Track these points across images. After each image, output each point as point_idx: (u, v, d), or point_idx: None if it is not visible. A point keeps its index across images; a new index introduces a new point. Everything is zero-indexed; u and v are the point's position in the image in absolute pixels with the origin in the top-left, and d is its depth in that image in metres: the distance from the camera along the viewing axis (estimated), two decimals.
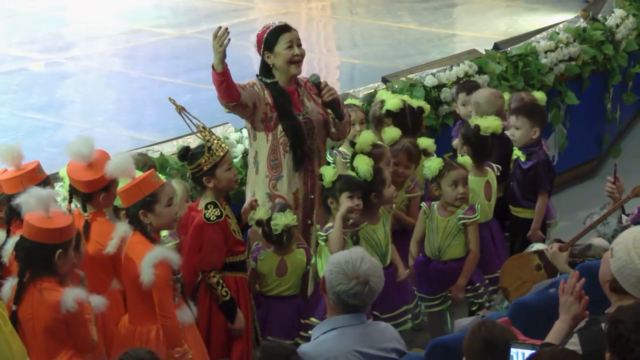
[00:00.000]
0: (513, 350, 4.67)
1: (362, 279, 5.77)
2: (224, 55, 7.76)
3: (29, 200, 6.30)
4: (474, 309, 8.56)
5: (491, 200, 8.95)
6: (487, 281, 8.67)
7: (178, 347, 6.79)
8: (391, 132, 8.99)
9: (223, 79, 7.76)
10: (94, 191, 7.09)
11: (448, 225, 8.42)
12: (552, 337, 5.20)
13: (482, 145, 8.88)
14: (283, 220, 7.65)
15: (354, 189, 7.84)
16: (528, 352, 4.56)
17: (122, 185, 7.09)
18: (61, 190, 7.48)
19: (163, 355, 6.29)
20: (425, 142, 9.15)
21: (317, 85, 8.31)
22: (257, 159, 8.27)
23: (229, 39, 7.78)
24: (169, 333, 6.79)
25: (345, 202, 7.77)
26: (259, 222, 7.72)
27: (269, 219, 7.67)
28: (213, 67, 7.76)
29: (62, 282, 6.30)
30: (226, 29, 7.78)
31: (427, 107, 9.74)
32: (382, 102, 9.44)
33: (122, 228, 6.87)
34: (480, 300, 8.53)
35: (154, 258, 6.62)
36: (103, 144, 8.46)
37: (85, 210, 7.08)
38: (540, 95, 10.08)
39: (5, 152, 7.19)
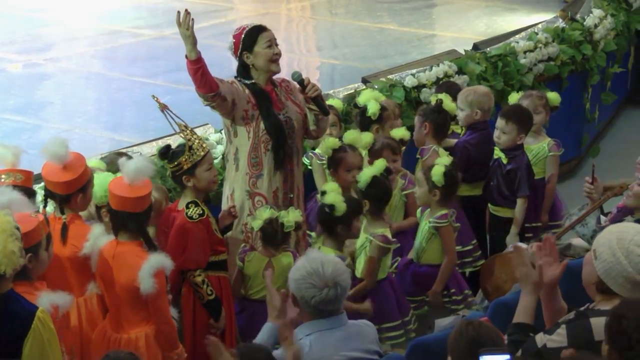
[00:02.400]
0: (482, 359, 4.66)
1: (331, 283, 5.77)
2: (194, 40, 7.81)
3: None
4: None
5: None
6: (467, 291, 8.67)
7: (175, 349, 6.89)
8: (397, 132, 9.15)
9: (198, 67, 7.77)
10: (70, 193, 7.05)
11: (424, 229, 8.45)
12: (521, 314, 5.29)
13: (443, 120, 9.13)
14: (292, 217, 7.73)
15: (360, 212, 7.94)
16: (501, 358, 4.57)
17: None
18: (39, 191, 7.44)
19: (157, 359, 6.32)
20: (400, 133, 9.18)
21: (301, 83, 8.27)
22: (237, 155, 8.25)
23: (193, 19, 7.83)
24: (167, 337, 6.86)
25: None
26: (269, 221, 7.70)
27: (277, 219, 7.70)
28: (186, 56, 7.78)
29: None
30: (187, 11, 7.84)
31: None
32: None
33: (97, 230, 6.88)
34: (459, 307, 8.46)
35: (152, 268, 6.62)
36: (82, 145, 8.53)
37: (62, 212, 7.02)
38: (554, 96, 10.10)
39: (2, 152, 7.26)
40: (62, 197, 7.07)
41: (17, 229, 5.64)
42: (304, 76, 8.36)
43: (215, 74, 7.79)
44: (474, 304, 8.49)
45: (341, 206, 7.70)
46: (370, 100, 9.43)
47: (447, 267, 8.42)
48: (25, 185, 7.04)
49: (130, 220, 6.79)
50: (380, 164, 8.25)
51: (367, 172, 8.16)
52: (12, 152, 7.25)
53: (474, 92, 9.75)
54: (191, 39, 7.78)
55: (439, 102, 8.96)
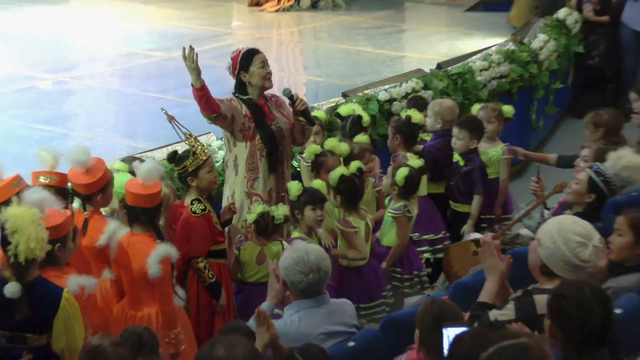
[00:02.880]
0: (445, 331, 4.67)
1: (315, 269, 5.80)
2: (198, 71, 7.84)
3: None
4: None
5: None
6: (417, 272, 8.66)
7: (174, 329, 6.80)
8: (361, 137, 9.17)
9: (202, 94, 7.81)
10: (91, 193, 7.07)
11: (386, 216, 8.51)
12: (485, 295, 5.32)
13: (412, 132, 9.06)
14: (281, 211, 7.78)
15: (316, 202, 7.87)
16: (460, 330, 4.59)
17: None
18: None
19: (160, 336, 6.30)
20: (361, 138, 9.24)
21: (291, 98, 8.32)
22: (236, 162, 8.27)
23: (197, 54, 7.91)
24: (167, 317, 6.78)
25: (311, 214, 7.77)
26: (262, 215, 7.74)
27: (268, 212, 7.75)
28: (192, 84, 7.82)
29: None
30: (191, 47, 7.94)
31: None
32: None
33: (113, 225, 6.88)
34: (412, 290, 8.48)
35: (159, 255, 6.60)
36: (103, 151, 8.56)
37: (84, 209, 7.03)
38: (508, 109, 10.08)
39: (44, 155, 7.17)
40: (84, 196, 7.07)
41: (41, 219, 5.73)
42: (293, 92, 8.43)
43: (216, 90, 7.86)
44: (426, 284, 8.58)
45: (294, 192, 7.82)
46: (355, 111, 9.54)
47: (396, 250, 8.42)
48: (60, 185, 7.02)
49: (143, 214, 6.79)
50: (354, 165, 8.29)
51: (337, 171, 8.13)
52: (52, 156, 7.14)
53: (441, 104, 9.77)
54: (196, 71, 7.81)
55: (408, 118, 8.93)
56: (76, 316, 5.82)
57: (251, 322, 5.76)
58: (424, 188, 9.00)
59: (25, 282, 5.66)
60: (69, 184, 7.19)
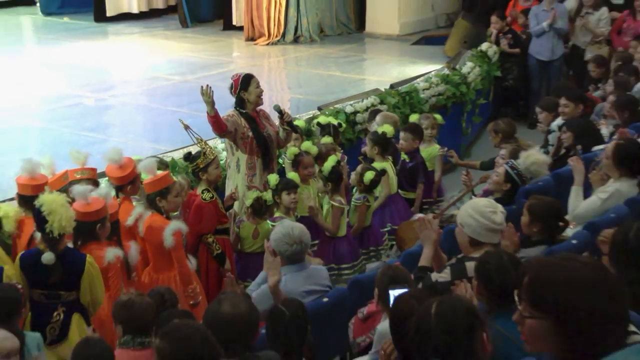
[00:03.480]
0: (391, 292, 4.67)
1: (298, 241, 5.88)
2: (213, 103, 7.96)
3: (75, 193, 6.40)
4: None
5: (392, 176, 9.01)
6: (375, 247, 8.72)
7: (191, 285, 6.90)
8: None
9: (215, 120, 7.98)
10: (123, 184, 7.17)
11: (351, 202, 8.55)
12: (423, 260, 5.39)
13: (387, 143, 9.00)
14: (268, 196, 7.92)
15: (290, 187, 7.91)
16: (402, 291, 4.60)
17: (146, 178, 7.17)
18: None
19: (181, 293, 6.35)
20: (327, 140, 9.28)
21: (279, 112, 8.47)
22: (238, 163, 8.38)
23: (213, 91, 7.99)
24: (183, 276, 6.88)
25: (286, 198, 7.88)
26: (257, 199, 7.91)
27: (261, 197, 7.89)
28: (207, 112, 7.96)
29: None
30: (208, 85, 8.04)
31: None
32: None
33: (138, 210, 6.97)
34: (370, 261, 8.59)
35: (172, 229, 6.74)
36: (133, 152, 8.50)
37: (117, 196, 7.13)
38: (439, 117, 10.16)
39: (76, 156, 7.31)
40: (117, 186, 7.23)
41: (69, 202, 6.01)
42: (281, 107, 8.61)
43: (219, 104, 7.95)
44: (392, 253, 8.55)
45: (273, 182, 8.00)
46: (332, 121, 9.62)
47: (356, 228, 8.48)
48: (91, 178, 7.15)
49: (147, 198, 7.00)
50: (333, 159, 8.37)
51: (328, 165, 8.27)
52: (83, 156, 7.32)
53: (385, 116, 9.77)
54: (211, 103, 7.95)
55: (384, 133, 8.94)
56: (98, 276, 6.04)
57: (251, 287, 6.07)
58: (394, 186, 9.04)
59: (57, 252, 5.83)
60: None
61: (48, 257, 5.79)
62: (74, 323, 6.00)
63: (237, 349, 4.29)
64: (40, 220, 5.81)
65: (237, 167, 8.41)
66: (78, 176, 7.05)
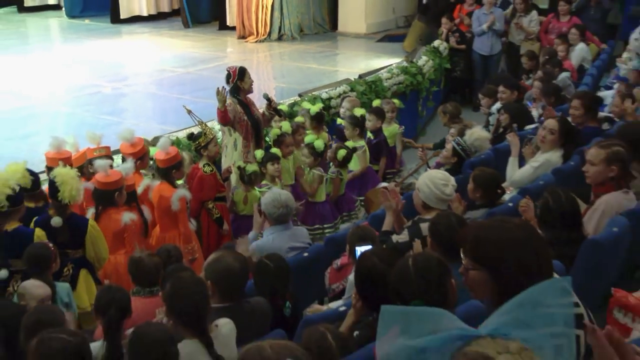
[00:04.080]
0: (357, 248, 4.69)
1: (284, 205, 5.89)
2: (225, 101, 8.02)
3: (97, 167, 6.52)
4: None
5: (367, 152, 9.04)
6: (347, 213, 8.70)
7: (190, 243, 6.99)
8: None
9: (223, 113, 8.07)
10: (134, 159, 7.13)
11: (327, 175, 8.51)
12: (386, 225, 5.38)
13: (363, 124, 9.10)
14: (251, 167, 7.86)
15: (273, 159, 7.91)
16: (366, 247, 4.61)
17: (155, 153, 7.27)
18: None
19: (182, 251, 6.38)
20: (300, 119, 9.29)
21: (268, 99, 8.63)
22: (235, 143, 8.40)
23: (227, 91, 8.14)
24: (185, 236, 6.97)
25: (271, 168, 7.88)
26: (240, 169, 7.88)
27: (243, 168, 7.86)
28: (218, 107, 8.05)
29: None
30: (224, 87, 8.15)
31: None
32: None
33: (146, 181, 7.06)
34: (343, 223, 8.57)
35: (178, 195, 6.85)
36: (144, 132, 8.58)
37: None
38: (398, 101, 10.21)
39: (92, 137, 7.26)
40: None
41: (78, 176, 6.08)
42: (270, 95, 8.76)
43: (214, 95, 8.06)
44: (361, 215, 8.60)
45: (259, 156, 8.04)
46: (307, 106, 9.60)
47: (332, 197, 8.48)
48: (107, 154, 7.11)
49: (162, 171, 7.06)
50: (324, 137, 8.70)
51: (319, 142, 8.32)
52: (98, 136, 7.27)
53: (350, 100, 9.93)
54: (223, 101, 8.01)
55: (362, 116, 9.11)
56: (99, 237, 6.07)
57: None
58: (365, 162, 9.03)
59: (65, 217, 5.86)
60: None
61: (56, 220, 5.83)
62: (81, 277, 6.00)
63: (232, 295, 4.34)
64: (54, 189, 5.83)
65: (235, 146, 8.42)
66: (96, 154, 7.02)
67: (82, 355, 3.43)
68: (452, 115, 9.07)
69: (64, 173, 5.87)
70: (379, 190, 8.06)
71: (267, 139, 8.87)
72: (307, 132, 8.92)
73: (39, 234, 5.75)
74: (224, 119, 8.15)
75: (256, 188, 7.85)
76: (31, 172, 6.09)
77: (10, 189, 5.62)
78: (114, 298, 4.33)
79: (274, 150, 8.18)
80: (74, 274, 5.95)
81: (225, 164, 8.37)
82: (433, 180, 5.12)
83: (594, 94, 8.32)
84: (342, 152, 8.35)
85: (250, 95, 8.65)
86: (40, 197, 6.31)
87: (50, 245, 5.50)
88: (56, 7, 19.89)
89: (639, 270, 5.07)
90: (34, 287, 4.87)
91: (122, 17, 18.43)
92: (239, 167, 7.89)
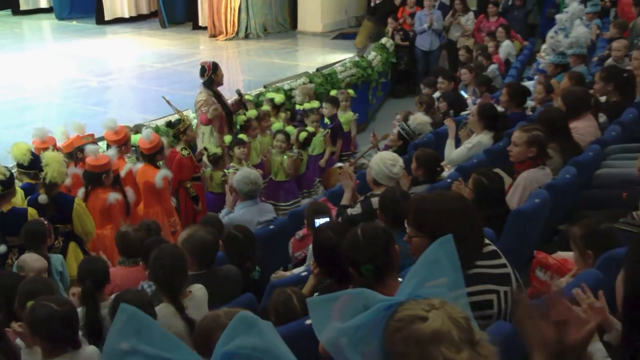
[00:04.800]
0: (316, 220, 4.71)
1: (253, 182, 5.89)
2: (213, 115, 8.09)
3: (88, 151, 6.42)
4: None
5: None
6: (307, 190, 8.67)
7: (172, 217, 7.00)
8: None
9: (208, 122, 8.20)
10: (118, 145, 7.07)
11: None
12: (344, 201, 5.35)
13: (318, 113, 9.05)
14: (214, 150, 7.81)
15: (240, 143, 7.82)
16: (324, 220, 4.63)
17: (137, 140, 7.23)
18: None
19: (164, 224, 6.37)
20: (265, 107, 9.15)
21: (240, 94, 8.78)
22: (212, 129, 8.37)
23: (216, 109, 8.13)
24: (167, 211, 6.96)
25: (238, 151, 7.79)
26: (205, 149, 7.88)
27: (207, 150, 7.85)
28: (208, 117, 8.09)
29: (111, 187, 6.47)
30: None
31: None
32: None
33: (129, 165, 7.00)
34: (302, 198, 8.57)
35: (161, 175, 6.79)
36: (127, 121, 8.45)
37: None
38: (351, 91, 10.18)
39: (77, 127, 7.19)
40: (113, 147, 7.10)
41: (65, 160, 6.10)
42: (235, 88, 9.00)
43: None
44: (320, 192, 8.59)
45: (227, 140, 7.99)
46: (272, 96, 9.60)
47: (292, 176, 8.39)
48: (92, 141, 7.03)
49: (145, 156, 6.99)
50: (306, 129, 8.57)
51: (303, 134, 8.37)
52: (82, 126, 7.21)
53: (302, 88, 10.03)
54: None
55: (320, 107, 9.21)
56: (85, 213, 6.03)
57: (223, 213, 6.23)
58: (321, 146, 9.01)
59: (51, 195, 5.83)
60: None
61: (42, 198, 5.81)
62: (70, 249, 5.97)
63: (207, 263, 4.34)
64: (40, 169, 5.85)
65: (212, 132, 8.40)
66: (84, 141, 6.95)
67: (68, 322, 3.39)
68: (427, 105, 8.88)
69: (50, 156, 5.85)
70: (336, 169, 8.13)
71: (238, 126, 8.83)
72: (272, 120, 8.88)
73: (32, 212, 5.70)
74: (207, 122, 8.20)
75: (225, 170, 7.81)
76: (32, 154, 6.23)
77: (1, 175, 5.58)
78: (92, 268, 4.36)
79: (241, 135, 8.13)
80: (64, 246, 5.92)
81: (212, 149, 8.32)
82: (383, 161, 5.13)
83: (520, 85, 8.39)
84: (302, 135, 8.35)
85: (219, 88, 8.61)
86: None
87: (45, 221, 5.46)
88: (48, 10, 19.51)
89: (557, 235, 5.15)
90: (32, 260, 4.83)
91: (106, 18, 18.16)
92: (204, 149, 7.86)
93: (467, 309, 1.67)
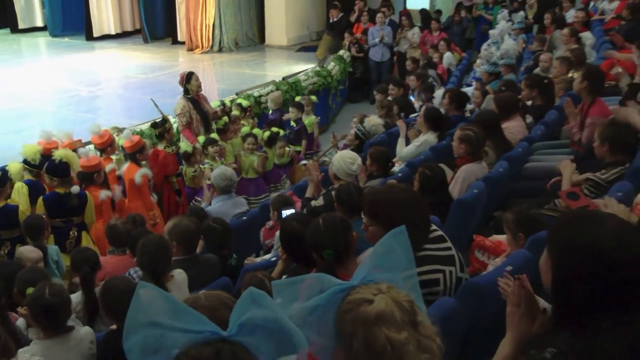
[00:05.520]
0: (283, 212, 4.69)
1: (228, 178, 5.87)
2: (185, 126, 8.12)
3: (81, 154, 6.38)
4: None
5: None
6: (274, 184, 8.59)
7: (152, 211, 6.89)
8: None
9: (186, 129, 8.16)
10: (103, 147, 7.04)
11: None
12: (308, 193, 5.34)
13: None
14: (184, 148, 7.73)
15: (213, 143, 7.79)
16: (289, 211, 4.61)
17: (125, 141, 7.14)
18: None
19: (145, 217, 6.32)
20: (235, 112, 9.10)
21: (224, 104, 8.78)
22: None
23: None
24: (146, 205, 6.86)
25: (211, 149, 7.75)
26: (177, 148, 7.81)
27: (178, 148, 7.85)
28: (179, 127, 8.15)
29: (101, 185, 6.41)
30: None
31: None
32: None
33: (112, 165, 6.92)
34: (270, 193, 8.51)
35: (141, 173, 6.71)
36: (114, 125, 8.31)
37: (101, 155, 6.99)
38: (314, 97, 10.23)
39: (64, 134, 7.12)
40: (99, 149, 7.08)
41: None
42: (212, 98, 8.97)
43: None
44: (281, 188, 8.55)
45: (202, 141, 7.92)
46: (240, 101, 9.50)
47: (260, 173, 8.34)
48: (80, 145, 7.06)
49: (129, 155, 6.94)
50: (268, 132, 8.50)
51: (266, 134, 8.32)
52: (69, 133, 7.15)
53: (274, 96, 9.91)
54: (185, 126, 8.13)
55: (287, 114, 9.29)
56: (92, 204, 6.05)
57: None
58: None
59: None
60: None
61: (75, 189, 5.91)
62: (83, 237, 5.99)
63: (190, 250, 4.33)
64: (64, 166, 5.87)
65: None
66: (74, 146, 6.91)
67: (59, 311, 3.39)
68: (387, 109, 8.76)
69: (67, 153, 5.94)
70: (301, 166, 8.12)
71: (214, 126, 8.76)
72: (242, 123, 8.84)
73: (22, 209, 5.72)
74: (185, 130, 8.18)
75: (200, 166, 7.75)
76: (42, 155, 6.32)
77: None
78: (85, 256, 4.39)
79: (213, 135, 8.07)
80: (77, 236, 5.94)
81: (182, 147, 8.23)
82: (344, 159, 5.13)
83: (459, 90, 8.46)
84: (267, 134, 8.34)
85: (203, 92, 8.57)
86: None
87: (44, 216, 5.47)
88: (42, 28, 19.15)
89: (492, 220, 5.20)
90: (28, 251, 4.82)
91: (94, 35, 17.86)
92: (177, 147, 7.79)
93: (417, 288, 1.67)
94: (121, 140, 7.24)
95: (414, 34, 13.84)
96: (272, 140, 8.40)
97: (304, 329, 1.49)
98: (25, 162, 6.25)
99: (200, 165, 7.69)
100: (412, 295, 1.57)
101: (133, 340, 1.39)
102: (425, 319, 1.54)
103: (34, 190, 6.03)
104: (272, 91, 10.82)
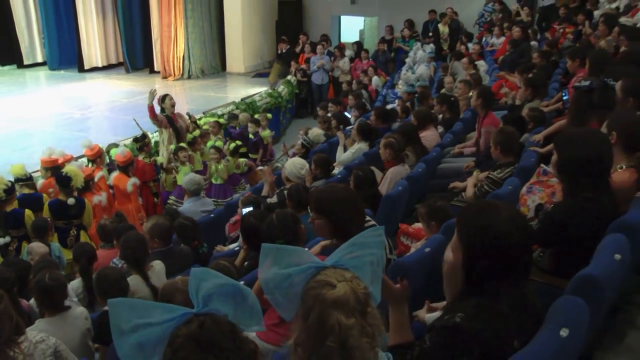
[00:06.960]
0: (243, 210, 4.60)
1: (197, 182, 5.76)
2: (152, 99, 7.73)
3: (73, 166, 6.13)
4: None
5: None
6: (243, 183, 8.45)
7: (140, 213, 6.81)
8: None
9: (151, 109, 7.78)
10: (93, 159, 6.92)
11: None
12: (264, 192, 5.27)
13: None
14: (160, 160, 7.62)
15: (182, 149, 7.65)
16: (248, 209, 4.52)
17: (116, 154, 6.96)
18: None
19: (136, 217, 6.29)
20: (205, 127, 8.88)
21: (190, 115, 8.58)
22: (164, 141, 8.13)
23: (156, 92, 7.86)
24: (137, 208, 6.79)
25: (181, 154, 7.56)
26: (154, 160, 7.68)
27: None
28: (148, 105, 7.75)
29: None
30: (154, 89, 7.90)
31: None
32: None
33: (100, 173, 6.77)
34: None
35: (132, 182, 6.62)
36: (103, 141, 8.11)
37: (92, 165, 6.89)
38: (269, 115, 10.23)
39: (59, 152, 6.87)
40: (90, 160, 6.98)
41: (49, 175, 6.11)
42: (194, 118, 8.59)
43: (147, 115, 7.72)
44: (245, 188, 8.42)
45: (173, 148, 7.70)
46: (209, 120, 9.30)
47: (224, 179, 8.09)
48: (72, 159, 6.90)
49: (121, 167, 6.70)
50: (234, 144, 8.33)
51: (232, 145, 8.19)
52: (61, 151, 6.88)
53: (243, 116, 9.66)
54: (151, 99, 7.71)
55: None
56: (90, 211, 5.89)
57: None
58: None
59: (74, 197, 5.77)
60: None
61: (71, 200, 5.71)
62: (82, 235, 5.87)
63: (167, 242, 4.24)
64: (67, 179, 5.69)
65: (163, 143, 8.17)
66: (70, 160, 6.76)
67: (57, 292, 3.34)
68: (327, 123, 8.53)
69: (72, 169, 5.79)
70: (259, 171, 8.03)
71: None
72: (212, 137, 8.68)
73: (28, 212, 5.52)
74: (151, 113, 7.82)
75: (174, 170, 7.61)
76: (27, 172, 6.08)
77: (5, 185, 5.38)
78: (84, 250, 4.36)
79: (182, 144, 7.95)
80: (77, 234, 5.82)
81: (161, 155, 8.06)
82: (295, 165, 5.10)
83: (384, 108, 8.51)
84: (232, 145, 8.23)
85: (178, 111, 8.45)
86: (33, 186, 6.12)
87: (48, 219, 5.40)
88: (43, 63, 18.53)
89: (414, 212, 5.23)
90: (38, 247, 4.83)
91: (85, 67, 17.41)
92: (155, 159, 7.66)
93: (379, 278, 1.59)
94: (113, 153, 7.05)
95: (344, 63, 13.91)
96: (235, 151, 8.29)
97: (275, 290, 1.47)
98: (17, 180, 5.85)
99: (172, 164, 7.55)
100: (374, 283, 1.53)
101: (125, 348, 1.32)
102: (374, 309, 1.49)
103: (26, 202, 5.74)
104: (232, 110, 10.69)
